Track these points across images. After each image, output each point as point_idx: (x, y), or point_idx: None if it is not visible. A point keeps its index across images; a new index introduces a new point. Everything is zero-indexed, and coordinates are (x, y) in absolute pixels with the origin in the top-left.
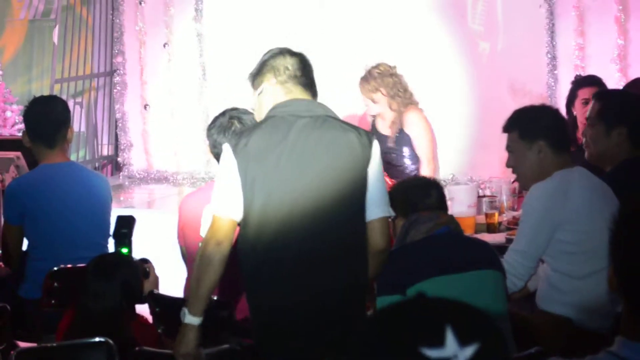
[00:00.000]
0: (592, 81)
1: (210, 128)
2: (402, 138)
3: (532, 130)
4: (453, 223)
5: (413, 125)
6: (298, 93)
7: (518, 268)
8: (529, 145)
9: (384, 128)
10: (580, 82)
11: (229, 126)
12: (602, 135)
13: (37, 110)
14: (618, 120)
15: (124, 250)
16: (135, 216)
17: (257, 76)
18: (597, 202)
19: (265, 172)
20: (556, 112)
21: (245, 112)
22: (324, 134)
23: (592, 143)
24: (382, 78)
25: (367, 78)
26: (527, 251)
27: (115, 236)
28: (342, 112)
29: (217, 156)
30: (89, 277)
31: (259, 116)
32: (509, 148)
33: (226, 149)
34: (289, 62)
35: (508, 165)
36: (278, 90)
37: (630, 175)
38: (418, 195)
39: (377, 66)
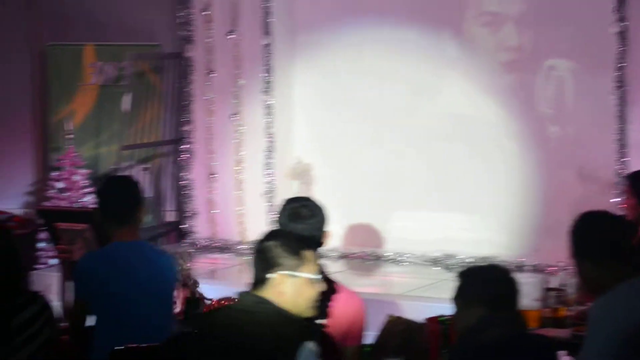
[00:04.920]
0: None
1: (280, 213)
2: None
3: (581, 247)
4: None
5: None
6: None
7: None
8: (579, 260)
9: None
10: None
11: (298, 213)
12: None
13: (110, 189)
14: None
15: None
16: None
17: None
18: None
19: None
20: (611, 222)
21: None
22: None
23: None
24: None
25: None
26: None
27: (185, 318)
28: None
29: None
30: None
31: None
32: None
33: None
34: None
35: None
36: None
37: None
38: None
39: None
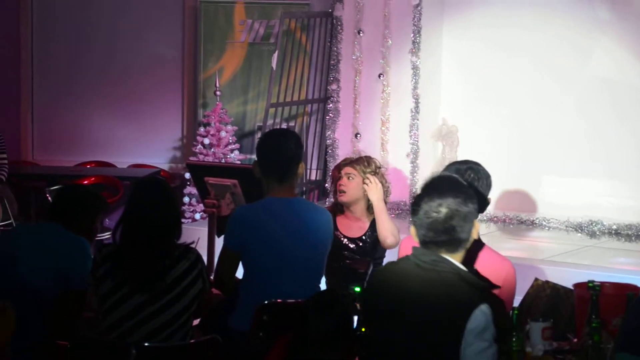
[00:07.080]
0: None
1: (444, 169)
2: None
3: None
4: None
5: None
6: None
7: None
8: None
9: None
10: None
11: (462, 174)
12: None
13: (270, 143)
14: None
15: (357, 289)
16: None
17: None
18: None
19: None
20: None
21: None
22: None
23: None
24: None
25: None
26: None
27: None
28: None
29: None
30: (309, 313)
31: None
32: None
33: None
34: None
35: None
36: None
37: None
38: None
39: None
